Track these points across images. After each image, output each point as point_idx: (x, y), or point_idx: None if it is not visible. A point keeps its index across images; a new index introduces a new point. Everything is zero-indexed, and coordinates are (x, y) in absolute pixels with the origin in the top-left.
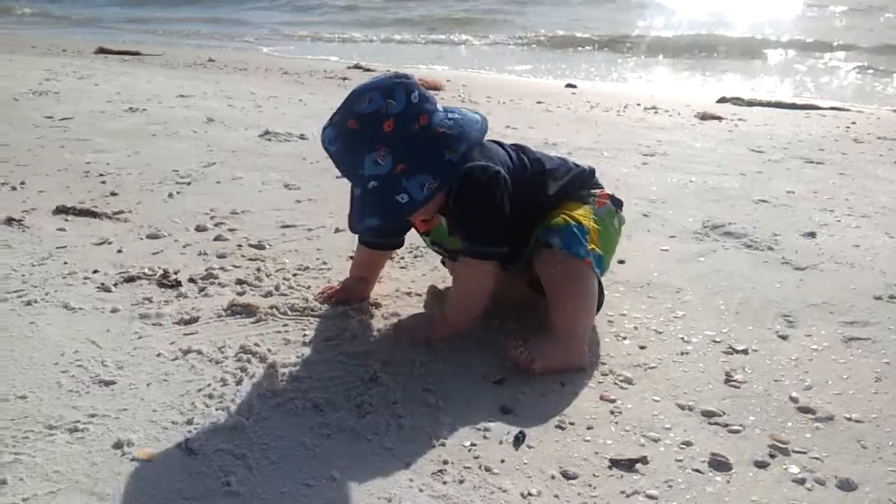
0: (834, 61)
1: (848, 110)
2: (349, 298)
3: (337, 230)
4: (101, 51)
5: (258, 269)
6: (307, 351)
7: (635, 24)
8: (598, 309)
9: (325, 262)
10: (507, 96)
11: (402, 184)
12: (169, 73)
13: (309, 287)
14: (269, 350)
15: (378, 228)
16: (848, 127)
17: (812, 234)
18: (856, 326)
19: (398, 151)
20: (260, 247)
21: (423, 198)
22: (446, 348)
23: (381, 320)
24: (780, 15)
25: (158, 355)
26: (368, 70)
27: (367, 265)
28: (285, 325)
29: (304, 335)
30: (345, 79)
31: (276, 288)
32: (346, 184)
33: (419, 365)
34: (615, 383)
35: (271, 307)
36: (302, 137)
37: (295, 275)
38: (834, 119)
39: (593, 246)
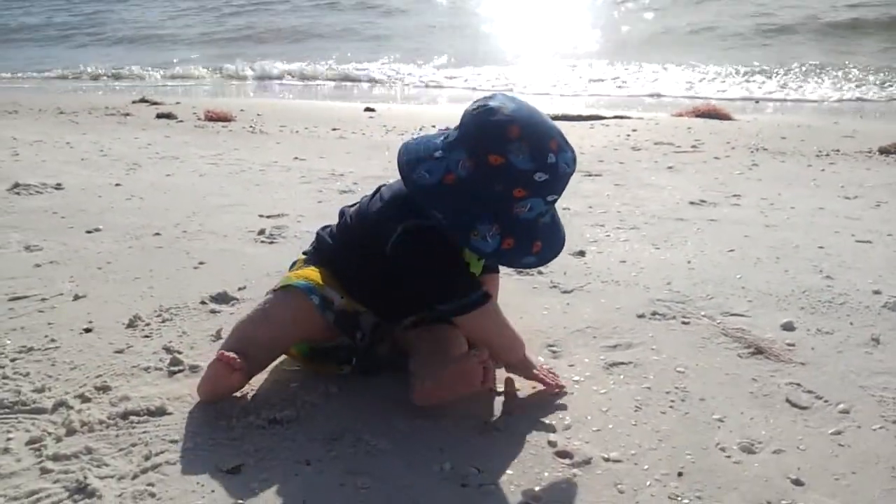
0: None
1: (629, 118)
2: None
3: (76, 297)
4: None
5: None
6: (7, 460)
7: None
8: None
9: (53, 340)
10: (303, 124)
11: None
12: None
13: (28, 374)
14: None
15: None
16: (629, 135)
17: (582, 253)
18: (618, 350)
19: None
20: None
21: None
22: (178, 433)
23: (109, 407)
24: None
25: None
26: (155, 103)
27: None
28: None
29: (8, 439)
30: (127, 115)
31: None
32: (92, 241)
33: (143, 459)
34: (367, 452)
35: None
36: (58, 187)
37: (14, 360)
38: (616, 128)
39: None
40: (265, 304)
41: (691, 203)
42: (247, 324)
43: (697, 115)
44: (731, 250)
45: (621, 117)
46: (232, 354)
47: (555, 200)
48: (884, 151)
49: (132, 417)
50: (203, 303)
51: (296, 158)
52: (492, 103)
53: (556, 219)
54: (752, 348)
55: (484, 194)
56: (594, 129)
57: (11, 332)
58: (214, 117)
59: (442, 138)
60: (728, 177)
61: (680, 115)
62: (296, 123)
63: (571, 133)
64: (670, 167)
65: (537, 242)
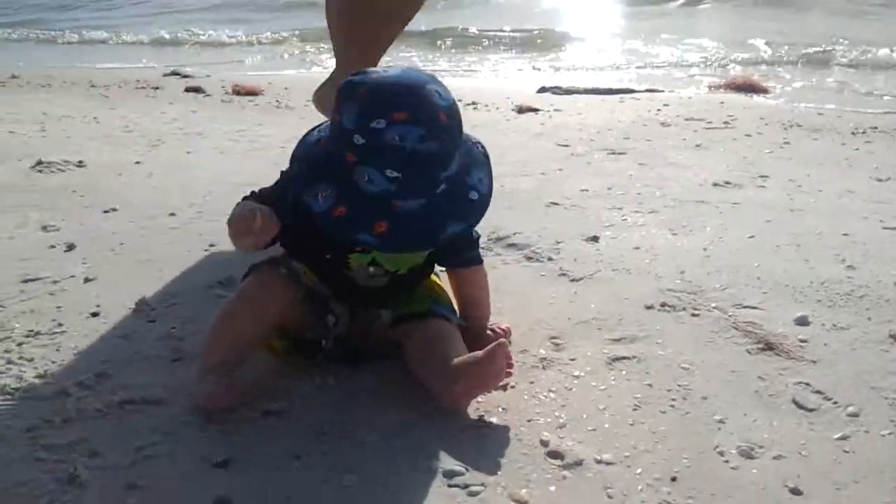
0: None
1: (661, 91)
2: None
3: (87, 280)
4: None
5: None
6: (3, 449)
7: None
8: None
9: (60, 324)
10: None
11: (468, 181)
12: None
13: (32, 360)
14: None
15: (460, 235)
16: (659, 109)
17: (595, 239)
18: (622, 343)
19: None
20: None
21: (488, 191)
22: (172, 424)
23: (108, 395)
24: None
25: None
26: (186, 76)
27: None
28: None
29: (7, 425)
30: (157, 88)
31: None
32: (107, 221)
33: (133, 451)
34: (354, 447)
35: None
36: (80, 165)
37: (20, 344)
38: (648, 102)
39: None
40: (240, 291)
41: (715, 185)
42: (225, 317)
43: (733, 89)
44: (751, 237)
45: (653, 90)
46: (228, 383)
47: (397, 178)
48: None
49: (127, 406)
50: (210, 287)
51: None
52: (374, 69)
53: (437, 214)
54: (761, 344)
55: (327, 155)
56: (624, 104)
57: (21, 316)
58: (242, 91)
59: None
60: (757, 156)
61: (716, 87)
62: None
63: (601, 107)
64: (698, 145)
65: (382, 223)
